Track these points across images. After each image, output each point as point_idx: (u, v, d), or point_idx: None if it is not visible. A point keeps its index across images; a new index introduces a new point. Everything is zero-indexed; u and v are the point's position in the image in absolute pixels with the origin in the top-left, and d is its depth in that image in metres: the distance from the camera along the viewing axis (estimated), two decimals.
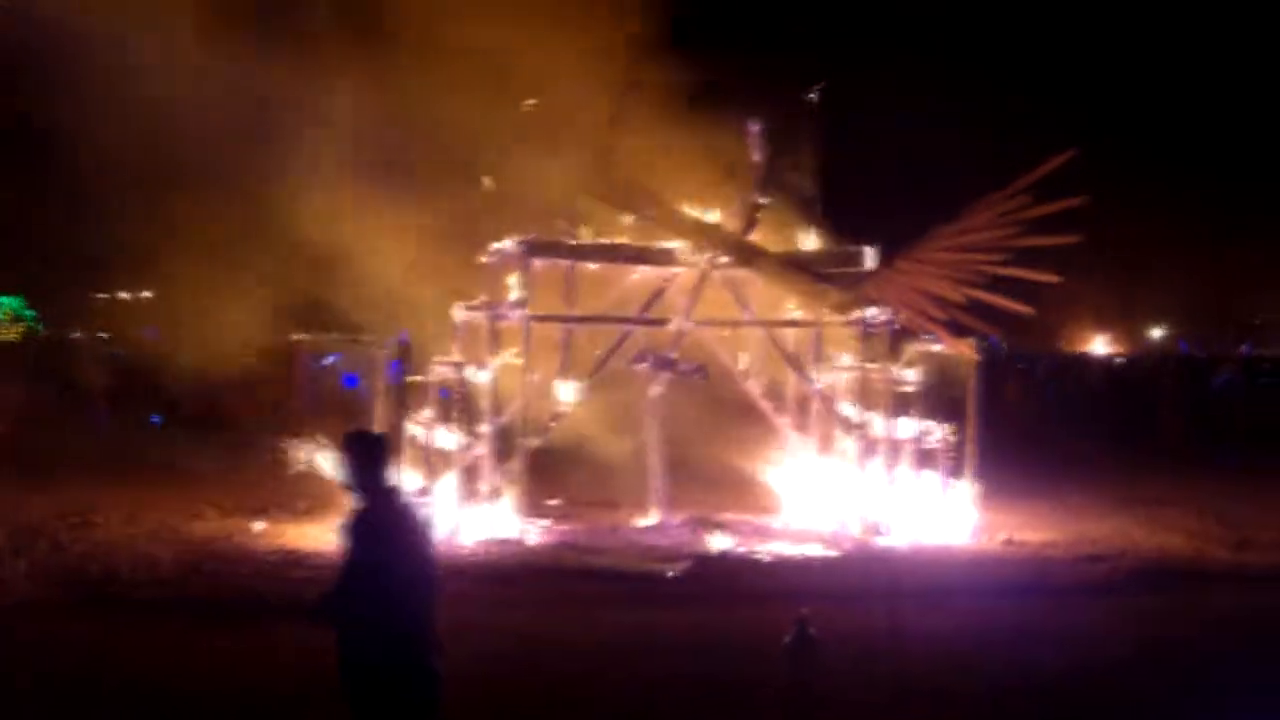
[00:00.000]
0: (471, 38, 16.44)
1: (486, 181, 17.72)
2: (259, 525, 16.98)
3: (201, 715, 9.56)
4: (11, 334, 65.12)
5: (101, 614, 12.34)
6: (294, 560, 14.94)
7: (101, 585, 13.49)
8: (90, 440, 25.08)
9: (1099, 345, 47.81)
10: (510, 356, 16.78)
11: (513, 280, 16.94)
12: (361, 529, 6.62)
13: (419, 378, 17.16)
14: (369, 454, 6.80)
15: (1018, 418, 29.62)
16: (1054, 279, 16.29)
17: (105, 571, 14.10)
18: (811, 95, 18.17)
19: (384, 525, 6.66)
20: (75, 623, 12.03)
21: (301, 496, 18.20)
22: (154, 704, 9.65)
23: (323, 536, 16.18)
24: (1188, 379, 33.37)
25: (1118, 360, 38.44)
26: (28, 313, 68.20)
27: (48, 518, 17.02)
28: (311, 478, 17.71)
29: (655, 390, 17.83)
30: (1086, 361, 42.76)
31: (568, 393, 16.99)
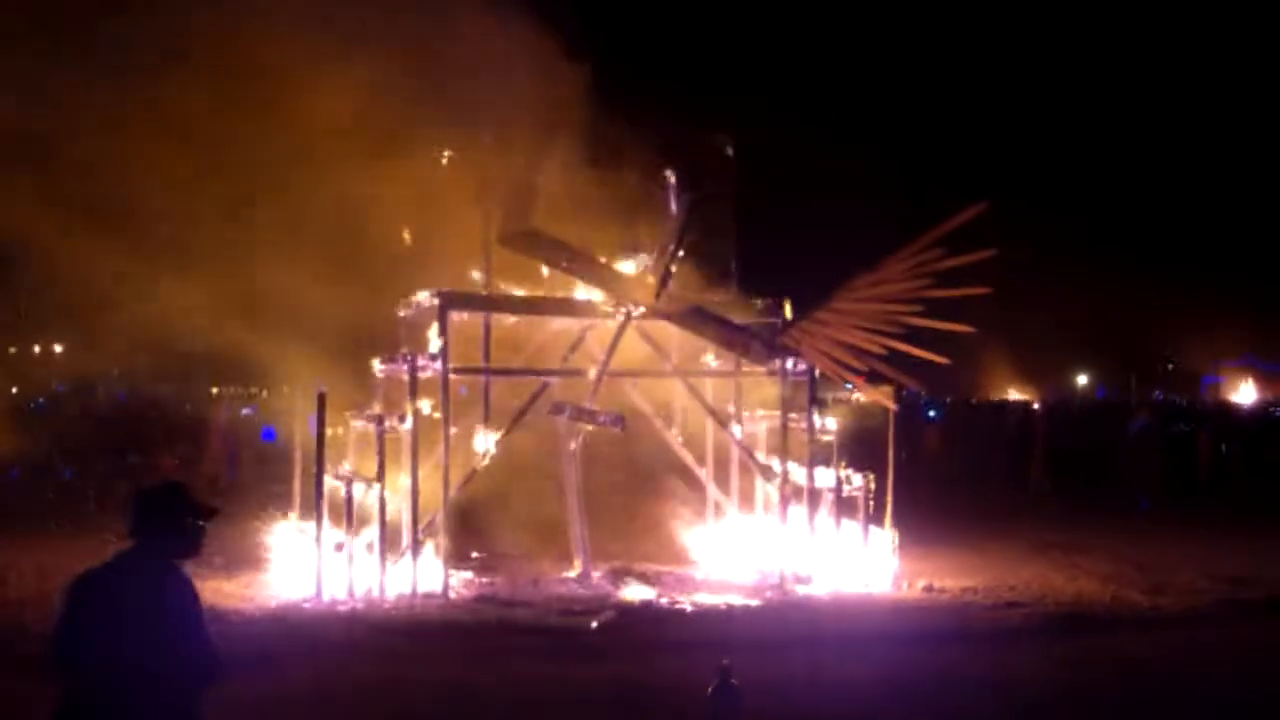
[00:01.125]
0: (387, 91, 16.48)
1: (405, 234, 17.69)
2: None
3: None
4: None
5: (14, 673, 12.10)
6: (211, 617, 14.69)
7: (14, 644, 13.23)
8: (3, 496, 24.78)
9: (1015, 393, 48.36)
10: (429, 408, 16.69)
11: (432, 332, 16.86)
12: (78, 589, 6.08)
13: (338, 430, 17.05)
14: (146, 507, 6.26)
15: (936, 466, 29.87)
16: (967, 330, 16.52)
17: (18, 630, 13.86)
18: (727, 147, 18.29)
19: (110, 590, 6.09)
20: None
21: (217, 553, 18.02)
22: None
23: (239, 592, 16.03)
24: (1078, 425, 33.74)
25: (1035, 407, 38.84)
26: None
27: None
28: (227, 534, 17.55)
29: (574, 441, 17.81)
30: (1003, 409, 43.18)
31: (487, 444, 16.94)
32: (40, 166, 16.23)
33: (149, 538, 6.27)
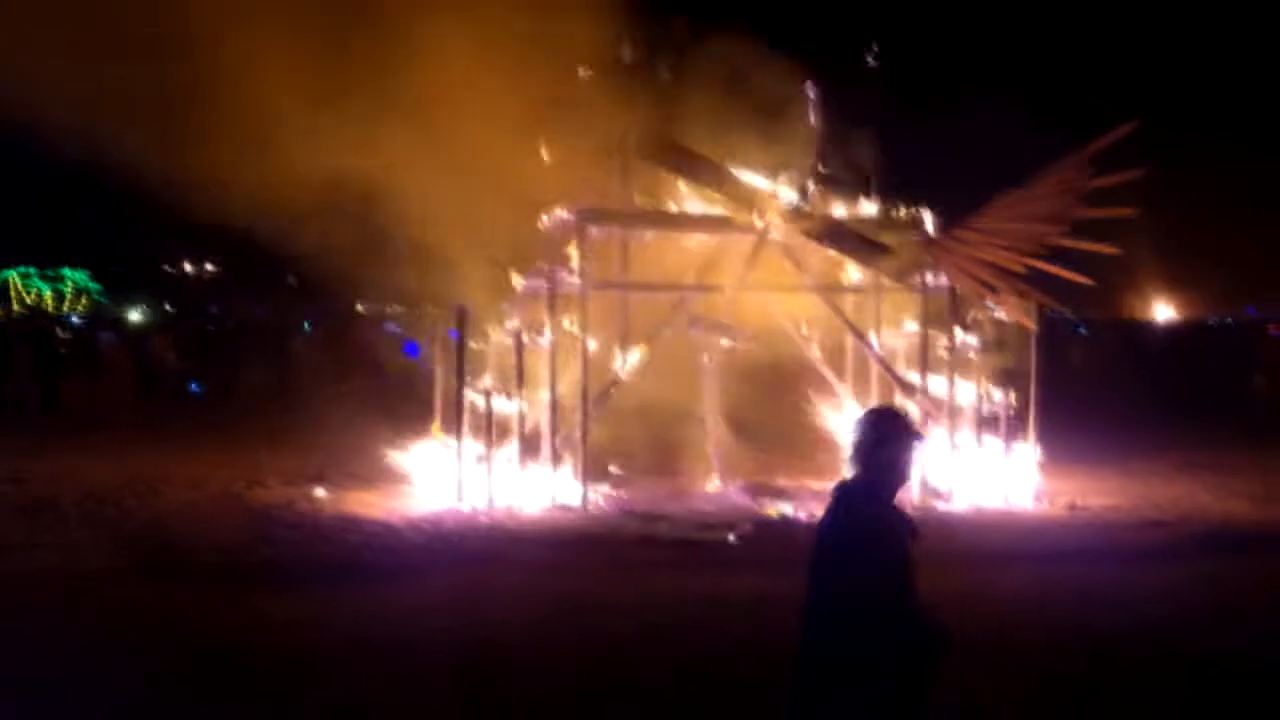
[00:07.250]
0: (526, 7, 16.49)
1: (543, 150, 17.66)
2: (320, 492, 17.11)
3: (260, 677, 9.58)
4: (79, 306, 66.14)
5: (166, 580, 12.47)
6: (352, 528, 15.06)
7: (166, 552, 13.63)
8: (158, 411, 25.48)
9: (1161, 312, 47.43)
10: (569, 324, 16.77)
11: (571, 248, 16.91)
12: None
13: (478, 345, 17.19)
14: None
15: (1080, 383, 29.39)
16: (1113, 251, 16.18)
17: (169, 538, 14.27)
18: (870, 58, 18.02)
19: None
20: (141, 588, 12.16)
21: (360, 464, 18.36)
22: (214, 667, 9.70)
23: (382, 504, 16.31)
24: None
25: (1178, 326, 38.16)
26: (93, 285, 69.17)
27: (115, 486, 17.31)
28: (368, 446, 17.88)
29: (711, 356, 17.78)
30: (1147, 328, 42.42)
31: (626, 359, 16.96)
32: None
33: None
